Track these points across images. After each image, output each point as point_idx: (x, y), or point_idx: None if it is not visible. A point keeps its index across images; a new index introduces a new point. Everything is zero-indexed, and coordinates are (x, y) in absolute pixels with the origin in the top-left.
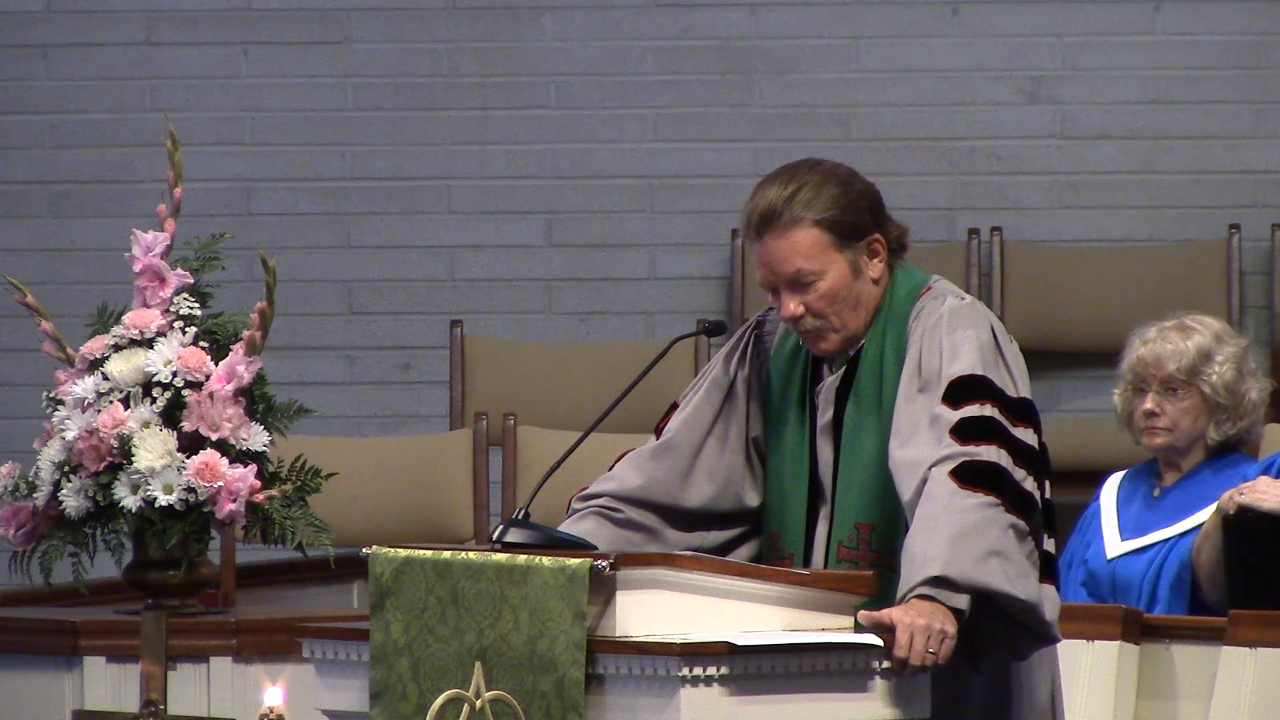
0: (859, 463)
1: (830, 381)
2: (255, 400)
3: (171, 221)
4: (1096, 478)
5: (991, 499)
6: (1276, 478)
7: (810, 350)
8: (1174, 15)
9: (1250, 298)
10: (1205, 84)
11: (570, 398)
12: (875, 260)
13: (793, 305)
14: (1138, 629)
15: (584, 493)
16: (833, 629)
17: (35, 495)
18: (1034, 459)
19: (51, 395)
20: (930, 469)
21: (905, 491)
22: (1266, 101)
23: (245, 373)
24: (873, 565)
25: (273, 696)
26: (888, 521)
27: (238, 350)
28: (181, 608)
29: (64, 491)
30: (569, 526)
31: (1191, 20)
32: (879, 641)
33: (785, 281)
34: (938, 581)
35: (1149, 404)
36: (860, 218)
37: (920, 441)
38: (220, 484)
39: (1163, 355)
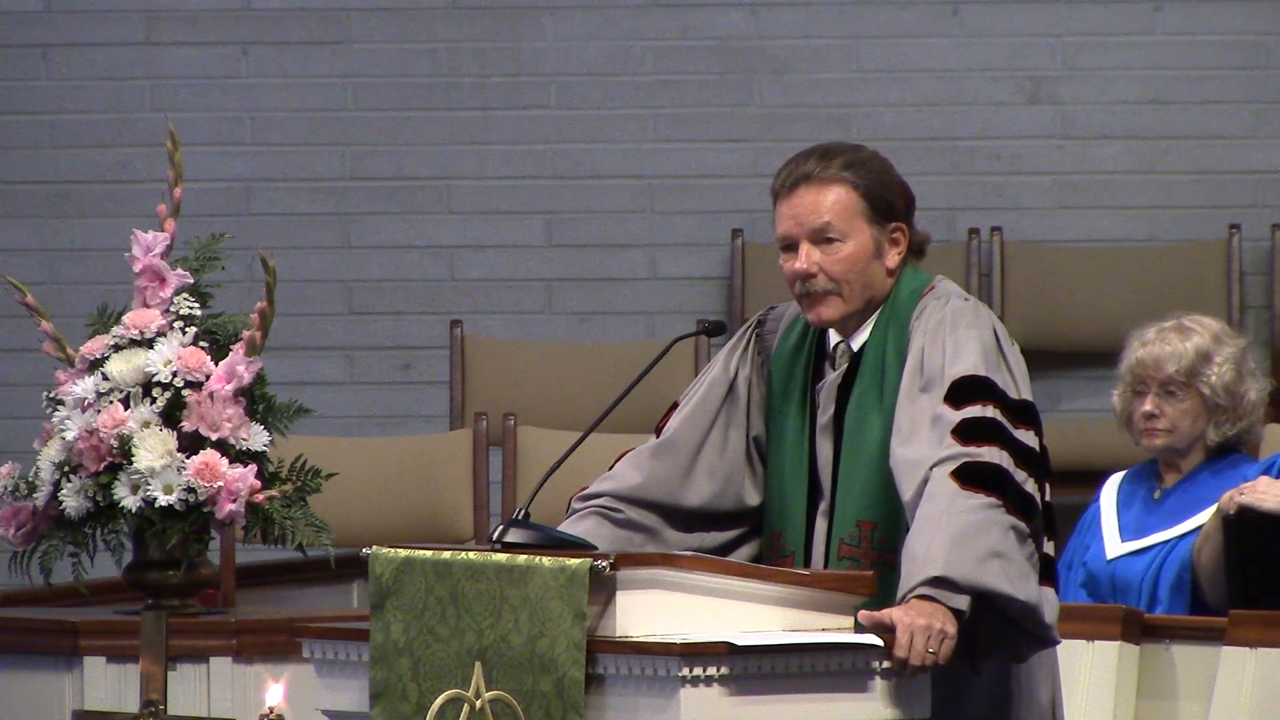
0: (860, 461)
1: (832, 379)
2: (255, 400)
3: (171, 221)
4: (1096, 478)
5: (993, 500)
6: (1277, 478)
7: (806, 315)
8: (1174, 15)
9: (1250, 298)
10: (1205, 84)
11: (570, 398)
12: (894, 250)
13: (806, 262)
14: (1138, 629)
15: (584, 492)
16: (833, 629)
17: (35, 495)
18: (1035, 461)
19: (51, 395)
20: (931, 469)
21: (906, 491)
22: (1266, 101)
23: (245, 373)
24: (874, 563)
25: (273, 695)
26: (889, 519)
27: (238, 350)
28: (181, 608)
29: (64, 491)
30: (569, 526)
31: (1191, 20)
32: (879, 641)
33: (809, 233)
34: (938, 582)
35: (1148, 406)
36: (895, 201)
37: (921, 441)
38: (220, 484)
39: (1161, 357)
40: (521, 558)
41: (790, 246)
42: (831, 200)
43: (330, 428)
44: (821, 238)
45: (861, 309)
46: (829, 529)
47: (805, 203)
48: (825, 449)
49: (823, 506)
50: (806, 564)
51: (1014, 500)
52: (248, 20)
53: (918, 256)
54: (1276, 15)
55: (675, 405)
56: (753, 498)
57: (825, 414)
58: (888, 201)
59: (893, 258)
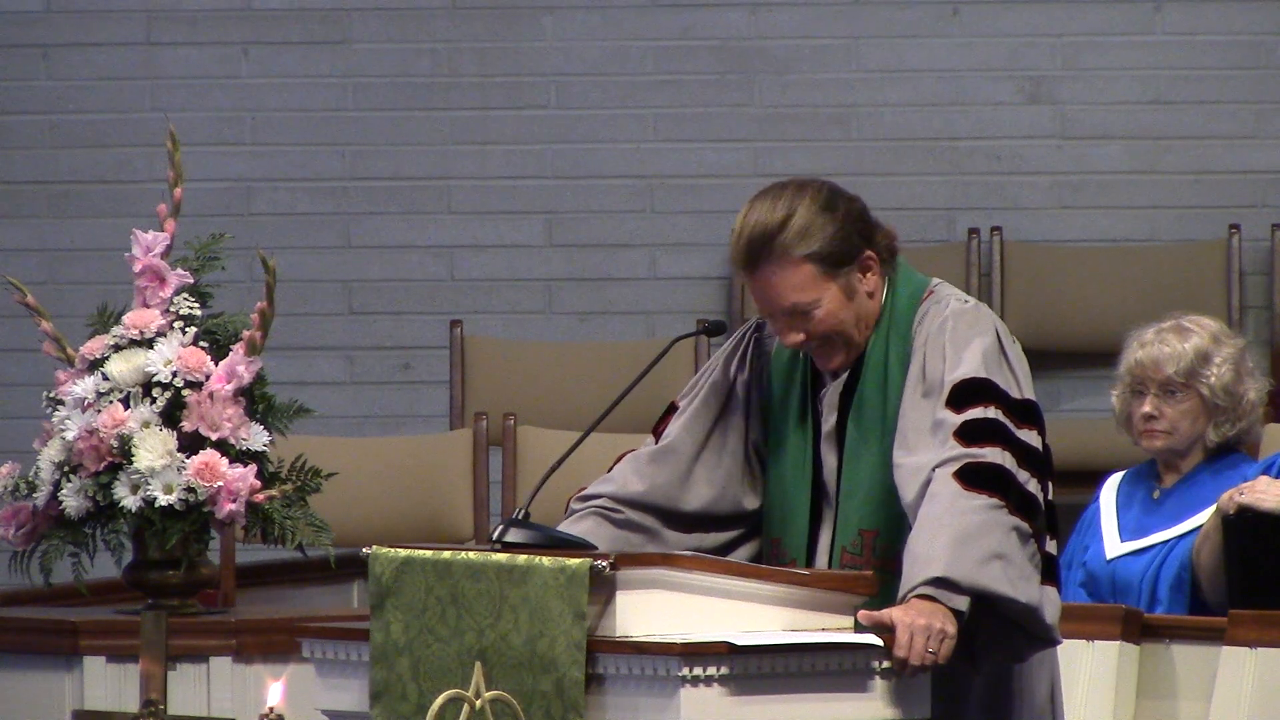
0: (863, 469)
1: (833, 387)
2: (255, 400)
3: (171, 221)
4: (1096, 478)
5: (995, 501)
6: (1276, 478)
7: (819, 365)
8: (1174, 15)
9: (1250, 298)
10: (1205, 84)
11: (570, 398)
12: (869, 274)
13: (793, 335)
14: (1138, 629)
15: (583, 493)
16: (833, 629)
17: (35, 495)
18: (1037, 461)
19: (51, 395)
20: (934, 470)
21: (908, 493)
22: (1266, 101)
23: (245, 373)
24: (876, 571)
25: (273, 695)
26: (891, 527)
27: (238, 350)
28: (181, 608)
29: (64, 491)
30: (568, 527)
31: (1191, 20)
32: (879, 641)
33: (781, 312)
34: (939, 582)
35: (1147, 407)
36: (849, 243)
37: (924, 446)
38: (220, 484)
39: (1160, 358)
40: (521, 558)
41: (772, 315)
42: (790, 281)
43: (330, 428)
44: (795, 314)
45: (866, 338)
46: (832, 537)
47: (764, 286)
48: (830, 458)
49: (827, 515)
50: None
51: (1016, 501)
52: (248, 20)
53: (892, 258)
54: (1276, 15)
55: (673, 406)
56: (751, 502)
57: (828, 422)
58: (841, 252)
59: (870, 282)
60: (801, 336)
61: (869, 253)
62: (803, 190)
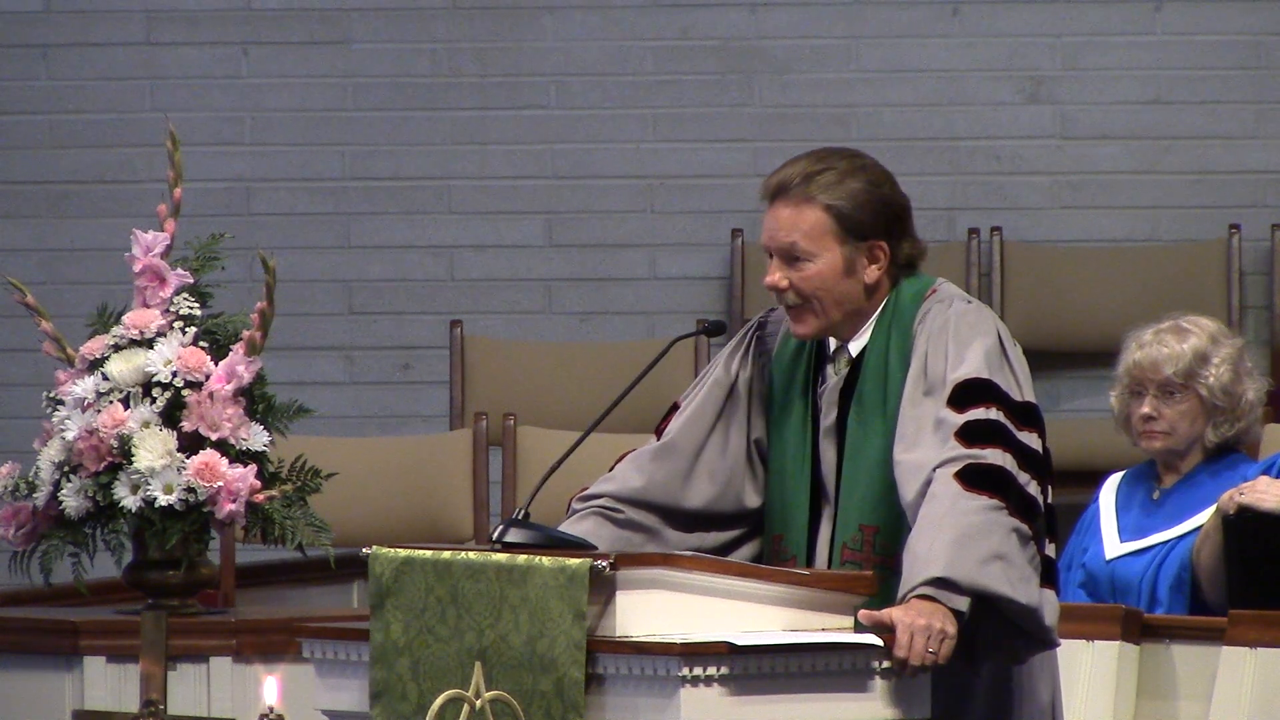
0: (863, 465)
1: (833, 383)
2: (255, 400)
3: (171, 221)
4: (1096, 478)
5: (995, 502)
6: (1276, 478)
7: (789, 328)
8: (1174, 15)
9: (1250, 298)
10: (1205, 84)
11: (570, 398)
12: (873, 266)
13: (777, 275)
14: (1138, 629)
15: (584, 493)
16: (833, 629)
17: (35, 495)
18: (1038, 463)
19: (51, 395)
20: (935, 470)
21: (908, 492)
22: (1266, 101)
23: (245, 373)
24: (876, 568)
25: (269, 693)
26: (891, 524)
27: (238, 350)
28: (181, 608)
29: (64, 491)
30: (569, 527)
31: (1191, 20)
32: (879, 641)
33: (779, 249)
34: (939, 582)
35: (1146, 408)
36: (872, 219)
37: (925, 445)
38: (220, 484)
39: (1159, 359)
40: (521, 558)
41: (770, 254)
42: (801, 221)
43: (330, 428)
44: (790, 255)
45: (841, 321)
46: (832, 533)
47: (779, 219)
48: (829, 453)
49: (827, 511)
50: (809, 568)
51: (1016, 502)
52: (248, 20)
53: (909, 270)
54: (1276, 15)
55: (675, 406)
56: (753, 500)
57: (828, 418)
58: (862, 221)
59: (871, 273)
60: (785, 284)
61: (883, 244)
62: (854, 158)
